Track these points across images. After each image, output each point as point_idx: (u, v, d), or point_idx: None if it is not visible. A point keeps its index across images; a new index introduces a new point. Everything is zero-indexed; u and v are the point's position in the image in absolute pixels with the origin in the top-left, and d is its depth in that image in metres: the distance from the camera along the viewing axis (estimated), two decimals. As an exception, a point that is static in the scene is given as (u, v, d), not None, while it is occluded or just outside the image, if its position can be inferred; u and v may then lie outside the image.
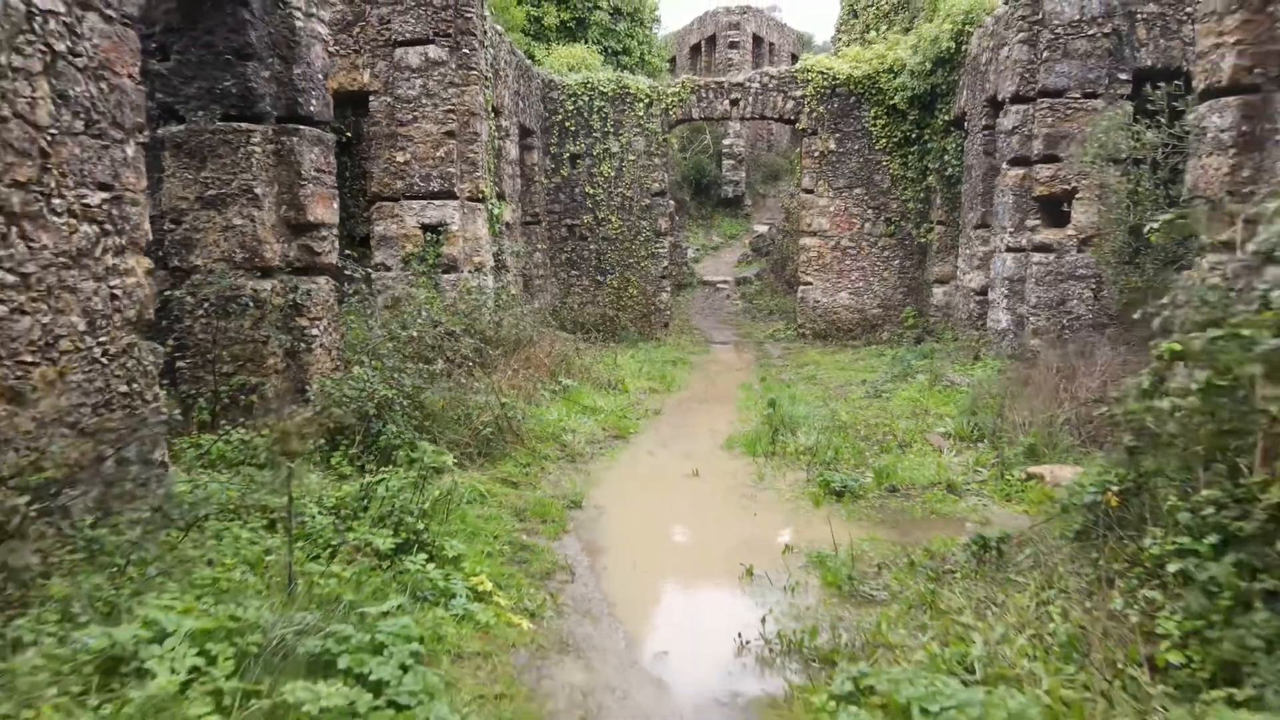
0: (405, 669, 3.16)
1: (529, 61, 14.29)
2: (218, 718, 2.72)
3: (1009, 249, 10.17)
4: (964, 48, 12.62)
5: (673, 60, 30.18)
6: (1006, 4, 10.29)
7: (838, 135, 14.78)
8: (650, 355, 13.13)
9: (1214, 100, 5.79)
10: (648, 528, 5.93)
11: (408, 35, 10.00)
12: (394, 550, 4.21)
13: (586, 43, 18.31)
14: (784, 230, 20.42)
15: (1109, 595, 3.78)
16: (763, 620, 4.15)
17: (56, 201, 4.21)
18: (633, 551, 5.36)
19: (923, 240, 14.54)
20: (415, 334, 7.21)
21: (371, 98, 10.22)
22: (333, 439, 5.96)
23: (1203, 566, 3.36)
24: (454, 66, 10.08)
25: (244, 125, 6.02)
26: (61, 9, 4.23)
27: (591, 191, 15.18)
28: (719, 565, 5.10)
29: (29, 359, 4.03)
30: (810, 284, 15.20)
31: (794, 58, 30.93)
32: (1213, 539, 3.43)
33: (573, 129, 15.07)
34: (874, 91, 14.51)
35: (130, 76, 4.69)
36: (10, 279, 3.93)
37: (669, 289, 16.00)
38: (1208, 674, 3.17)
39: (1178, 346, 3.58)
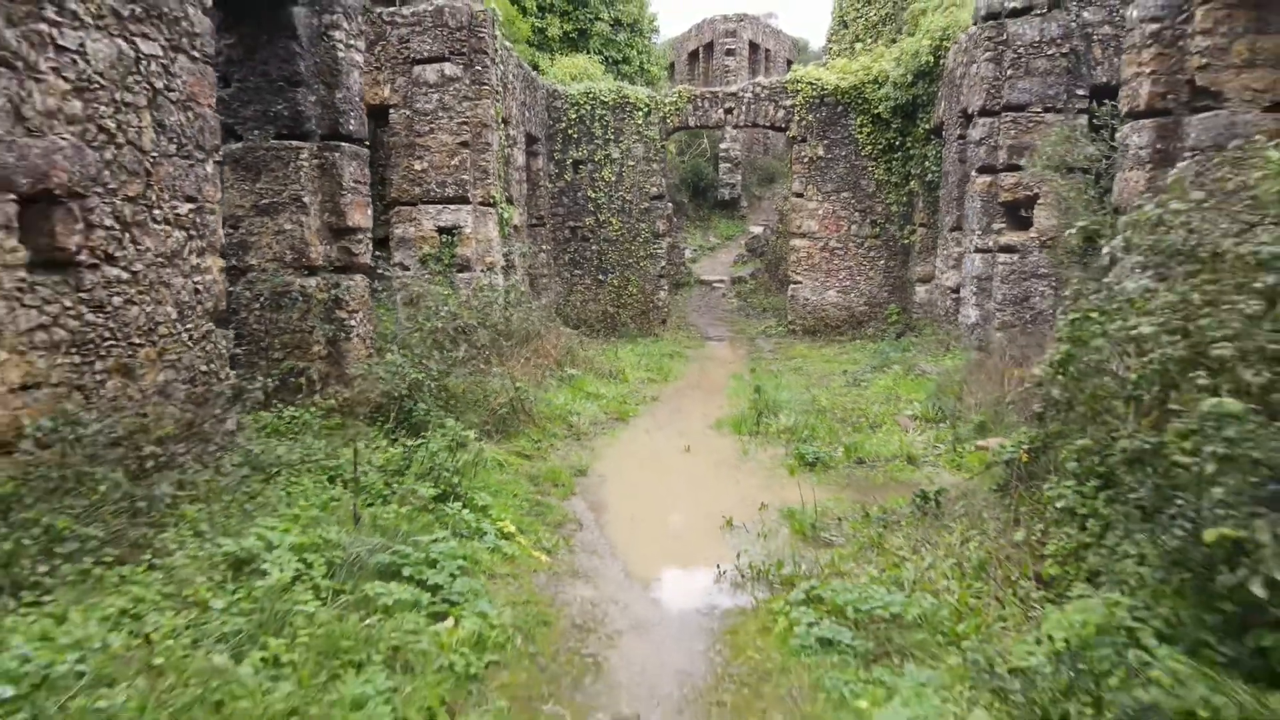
0: (454, 576, 4.09)
1: (534, 73, 15.20)
2: (317, 604, 3.64)
3: (977, 250, 11.09)
4: (941, 62, 13.54)
5: (672, 66, 31.10)
6: (976, 25, 11.20)
7: (826, 142, 15.70)
8: (649, 349, 14.05)
9: (1134, 121, 6.72)
10: (644, 491, 6.85)
11: (425, 54, 10.92)
12: (435, 499, 5.13)
13: (588, 53, 19.23)
14: (777, 231, 21.33)
15: (1015, 530, 4.70)
16: (738, 556, 5.07)
17: (156, 212, 5.15)
18: (631, 509, 6.28)
19: (906, 241, 15.45)
20: (439, 325, 8.12)
21: (391, 111, 11.13)
22: (371, 416, 6.87)
23: (1082, 502, 4.28)
24: (468, 82, 11.00)
25: (294, 143, 6.94)
26: (160, 52, 5.16)
27: (593, 195, 16.10)
28: (704, 519, 6.01)
29: (137, 341, 4.96)
30: (800, 283, 16.12)
31: (789, 63, 31.87)
32: (1095, 482, 4.35)
33: (575, 136, 15.99)
34: (860, 101, 15.43)
35: (209, 106, 5.63)
36: (124, 275, 4.87)
37: (666, 288, 16.92)
38: (1080, 581, 4.08)
39: (1065, 330, 4.50)
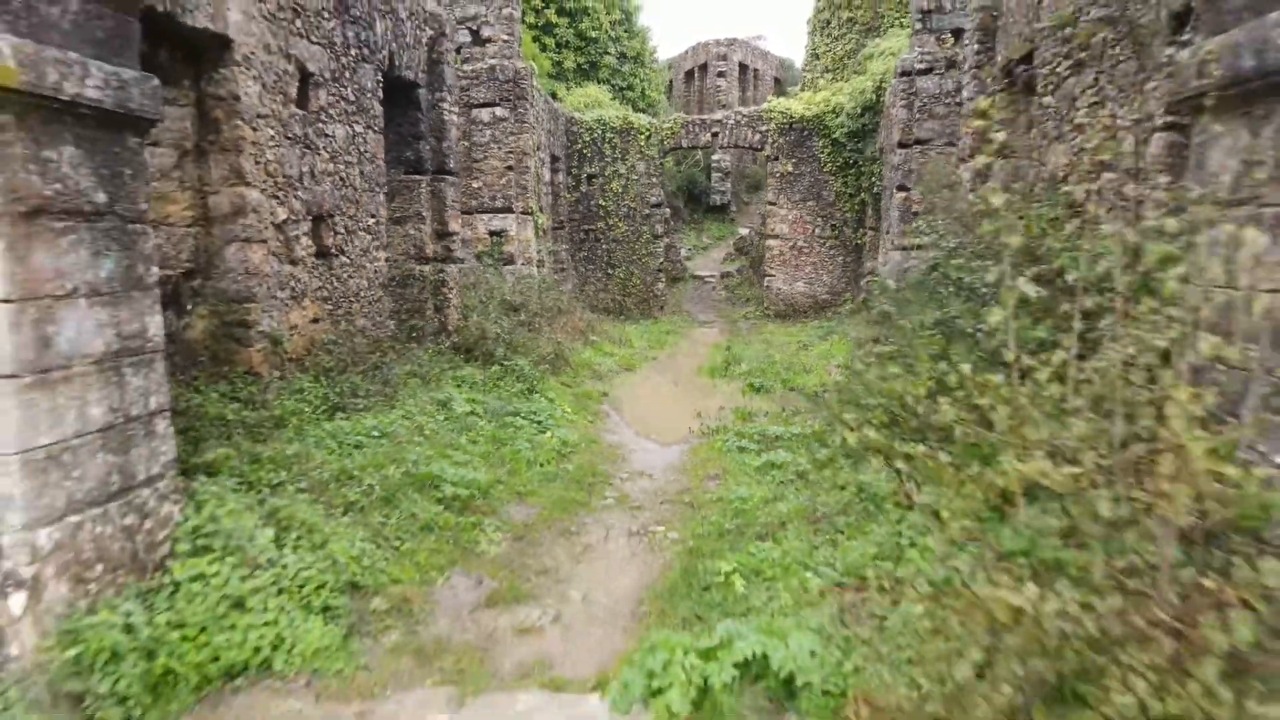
0: (545, 419, 7.82)
1: (557, 105, 18.92)
2: (484, 422, 7.36)
3: (896, 248, 14.81)
4: (881, 100, 17.26)
5: (670, 84, 34.78)
6: (896, 78, 14.91)
7: (794, 160, 19.40)
8: (649, 328, 17.76)
9: (964, 164, 10.42)
10: (645, 403, 10.56)
11: (481, 100, 14.64)
12: (524, 392, 8.83)
13: (598, 82, 22.98)
14: (760, 233, 25.04)
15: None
16: (701, 423, 8.77)
17: (359, 224, 8.87)
18: (638, 411, 10.00)
19: (859, 242, 19.16)
20: (503, 298, 11.81)
21: (455, 142, 14.82)
22: (465, 356, 10.56)
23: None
24: (512, 121, 14.71)
25: (416, 176, 10.65)
26: (362, 130, 8.88)
27: (604, 204, 19.80)
28: (683, 415, 9.71)
29: (352, 299, 8.68)
30: (774, 275, 19.83)
31: (776, 80, 35.61)
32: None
33: (589, 155, 19.70)
34: (822, 127, 19.15)
35: (381, 160, 9.35)
36: (348, 261, 8.59)
37: (664, 280, 20.63)
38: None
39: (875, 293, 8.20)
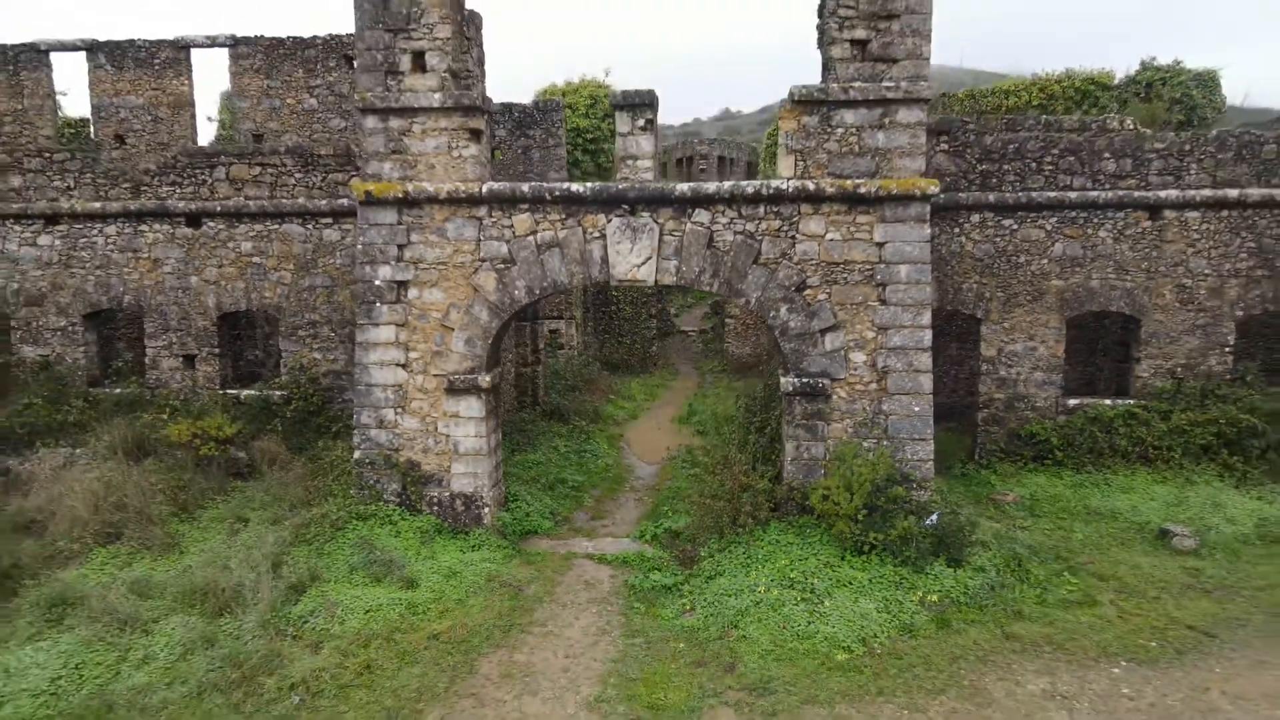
0: (596, 449, 18.21)
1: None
2: (574, 455, 17.75)
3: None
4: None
5: (665, 165, 45.04)
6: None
7: (744, 266, 29.60)
8: (646, 381, 27.98)
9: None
10: (644, 441, 20.86)
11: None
12: (584, 438, 19.09)
13: (611, 201, 33.25)
14: (722, 306, 35.24)
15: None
16: (669, 454, 19.03)
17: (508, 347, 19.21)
18: (639, 444, 20.29)
19: (786, 321, 29.38)
20: (561, 378, 22.08)
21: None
22: (548, 416, 20.74)
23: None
24: (563, 264, 24.94)
25: (524, 321, 20.84)
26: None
27: (615, 294, 30.00)
28: (662, 446, 20.02)
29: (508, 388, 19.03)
30: (730, 342, 30.04)
31: (749, 164, 45.96)
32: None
33: (606, 262, 29.94)
34: (761, 245, 29.36)
35: (515, 323, 19.72)
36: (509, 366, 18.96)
37: (657, 343, 30.86)
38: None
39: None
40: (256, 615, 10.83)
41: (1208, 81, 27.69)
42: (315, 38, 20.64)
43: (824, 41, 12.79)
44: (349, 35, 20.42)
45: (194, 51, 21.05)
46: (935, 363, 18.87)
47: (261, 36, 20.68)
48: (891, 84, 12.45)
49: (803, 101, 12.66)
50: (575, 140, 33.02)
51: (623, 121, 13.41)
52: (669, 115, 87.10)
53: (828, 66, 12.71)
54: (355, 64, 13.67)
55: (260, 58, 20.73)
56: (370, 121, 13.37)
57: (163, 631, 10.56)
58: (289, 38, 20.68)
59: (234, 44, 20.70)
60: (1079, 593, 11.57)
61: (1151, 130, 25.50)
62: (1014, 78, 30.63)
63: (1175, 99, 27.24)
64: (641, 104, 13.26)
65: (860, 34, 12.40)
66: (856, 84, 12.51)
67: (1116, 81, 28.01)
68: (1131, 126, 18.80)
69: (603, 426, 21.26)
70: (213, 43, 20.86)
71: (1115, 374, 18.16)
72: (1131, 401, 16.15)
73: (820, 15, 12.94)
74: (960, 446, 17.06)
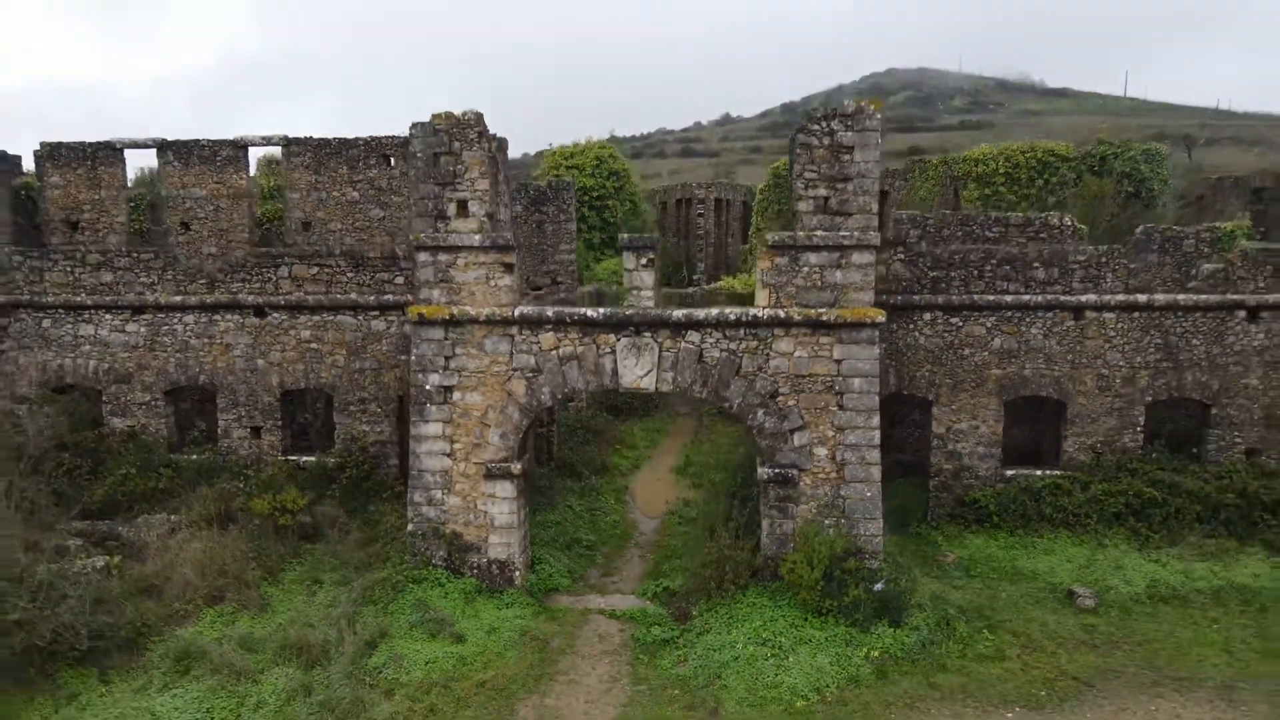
0: (604, 506, 21.26)
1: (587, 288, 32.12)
2: (586, 513, 20.81)
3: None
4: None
5: (664, 205, 47.95)
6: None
7: (736, 318, 32.63)
8: (647, 425, 30.94)
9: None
10: (645, 493, 23.85)
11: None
12: (594, 495, 22.09)
13: (616, 253, 36.24)
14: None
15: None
16: (668, 508, 22.04)
17: (527, 425, 22.28)
18: (641, 497, 23.31)
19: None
20: (573, 431, 25.09)
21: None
22: (558, 469, 23.73)
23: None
24: (573, 325, 27.96)
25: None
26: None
27: (620, 343, 32.97)
28: (662, 500, 22.99)
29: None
30: (724, 387, 33.00)
31: (745, 205, 48.89)
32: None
33: (611, 314, 32.97)
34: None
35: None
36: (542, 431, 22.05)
37: (657, 387, 33.81)
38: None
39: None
40: (341, 667, 13.84)
41: (1154, 156, 30.74)
42: (358, 139, 23.60)
43: (793, 197, 15.78)
44: (387, 137, 23.42)
45: (251, 150, 24.03)
46: (900, 428, 21.96)
47: (310, 137, 23.64)
48: (847, 233, 15.45)
49: (777, 245, 15.67)
50: (582, 198, 36.07)
51: (629, 259, 16.43)
52: (670, 120, 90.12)
53: (796, 217, 15.71)
54: (413, 207, 16.65)
55: (309, 155, 23.69)
56: (423, 256, 16.39)
57: (269, 681, 13.56)
58: (335, 139, 23.65)
59: (286, 144, 23.67)
60: (993, 648, 14.59)
61: (1101, 200, 28.64)
62: (985, 146, 33.68)
63: (1125, 172, 30.30)
64: (644, 246, 16.29)
65: (822, 192, 15.41)
66: (819, 232, 15.52)
67: (1072, 155, 31.04)
68: (1070, 224, 21.76)
69: (609, 479, 24.26)
70: (267, 142, 23.84)
71: (1054, 440, 21.15)
72: (1058, 472, 19.15)
73: (790, 174, 15.92)
74: (918, 502, 20.05)
